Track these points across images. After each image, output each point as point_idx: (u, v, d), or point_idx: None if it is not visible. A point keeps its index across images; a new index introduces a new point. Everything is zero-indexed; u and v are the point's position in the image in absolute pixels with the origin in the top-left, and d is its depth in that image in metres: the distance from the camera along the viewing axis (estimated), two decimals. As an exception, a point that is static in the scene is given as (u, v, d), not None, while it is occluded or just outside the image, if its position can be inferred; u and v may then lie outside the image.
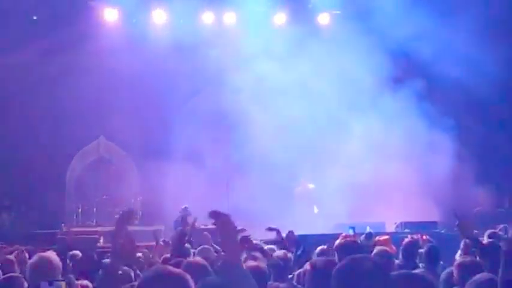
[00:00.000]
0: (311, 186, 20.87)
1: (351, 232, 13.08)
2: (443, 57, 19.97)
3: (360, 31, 20.02)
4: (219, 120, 20.55)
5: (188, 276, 3.35)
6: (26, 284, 5.64)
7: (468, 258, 6.50)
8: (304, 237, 12.29)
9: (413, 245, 8.48)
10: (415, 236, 9.38)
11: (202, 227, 13.10)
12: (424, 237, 10.39)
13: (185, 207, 17.55)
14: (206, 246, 8.81)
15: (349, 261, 3.59)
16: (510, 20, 20.33)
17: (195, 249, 9.12)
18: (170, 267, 3.39)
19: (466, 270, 5.94)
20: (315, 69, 20.31)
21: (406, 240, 8.56)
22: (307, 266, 5.56)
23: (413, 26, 19.36)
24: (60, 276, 5.39)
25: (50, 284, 4.99)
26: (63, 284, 5.02)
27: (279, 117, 20.15)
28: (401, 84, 20.33)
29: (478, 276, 5.19)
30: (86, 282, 5.95)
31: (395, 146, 19.75)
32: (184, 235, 9.24)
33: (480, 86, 19.32)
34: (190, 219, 12.07)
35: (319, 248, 8.19)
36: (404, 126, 19.83)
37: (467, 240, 7.68)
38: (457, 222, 6.79)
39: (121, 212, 4.34)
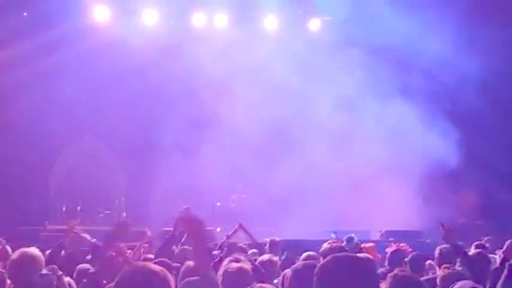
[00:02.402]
0: (244, 196, 20.78)
1: (333, 236, 13.06)
2: (432, 64, 20.15)
3: (350, 37, 20.15)
4: (207, 121, 20.47)
5: (169, 274, 3.29)
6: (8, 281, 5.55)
7: (451, 270, 6.50)
8: (289, 243, 12.26)
9: (400, 253, 8.53)
10: (401, 245, 9.41)
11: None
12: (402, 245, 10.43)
13: (187, 207, 17.32)
14: (186, 247, 8.77)
15: (332, 259, 3.53)
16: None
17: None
18: (151, 265, 3.34)
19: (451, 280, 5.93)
20: (303, 72, 20.43)
21: (393, 248, 8.60)
22: (289, 270, 5.54)
23: (404, 32, 19.50)
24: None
25: (41, 277, 4.94)
26: (54, 277, 4.96)
27: (266, 118, 20.16)
28: (390, 86, 20.39)
29: (460, 284, 5.17)
30: (67, 279, 5.89)
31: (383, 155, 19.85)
32: (174, 239, 9.00)
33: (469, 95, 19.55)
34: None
35: (305, 254, 8.16)
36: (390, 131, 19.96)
37: (442, 247, 7.74)
38: (442, 230, 6.92)
39: (114, 225, 4.30)
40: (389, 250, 8.78)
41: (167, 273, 3.28)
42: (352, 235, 11.47)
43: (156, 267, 3.29)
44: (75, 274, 7.09)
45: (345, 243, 10.72)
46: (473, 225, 18.94)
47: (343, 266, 3.45)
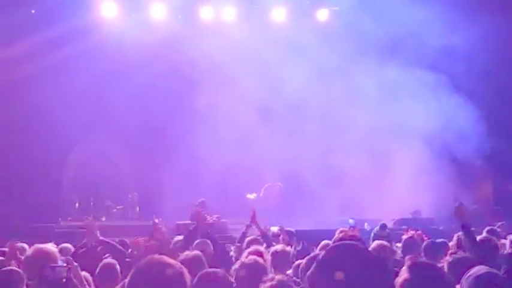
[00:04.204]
0: (279, 184, 20.74)
1: (351, 222, 12.98)
2: (442, 52, 20.04)
3: (358, 27, 20.10)
4: (216, 113, 20.42)
5: (183, 268, 3.30)
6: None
7: (460, 255, 6.47)
8: (305, 233, 12.28)
9: (414, 240, 8.50)
10: (417, 232, 9.39)
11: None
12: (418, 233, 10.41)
13: (202, 200, 17.30)
14: (204, 239, 8.77)
15: (336, 247, 3.42)
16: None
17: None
18: (166, 258, 3.35)
19: (458, 266, 5.88)
20: (311, 63, 20.40)
21: (408, 235, 8.59)
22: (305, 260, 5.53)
23: (412, 21, 19.43)
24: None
25: (52, 269, 4.96)
26: (64, 269, 4.99)
27: (274, 109, 20.17)
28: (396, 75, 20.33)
29: (476, 269, 5.11)
30: (84, 273, 5.92)
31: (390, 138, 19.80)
32: (197, 232, 8.98)
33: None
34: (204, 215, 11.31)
35: (323, 242, 8.17)
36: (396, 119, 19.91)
37: (460, 234, 7.72)
38: (456, 205, 6.93)
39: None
40: (404, 237, 8.74)
41: (182, 266, 3.29)
42: (385, 222, 11.44)
43: (172, 260, 3.30)
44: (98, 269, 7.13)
45: (377, 228, 10.70)
46: (488, 211, 18.90)
47: (345, 256, 3.29)
